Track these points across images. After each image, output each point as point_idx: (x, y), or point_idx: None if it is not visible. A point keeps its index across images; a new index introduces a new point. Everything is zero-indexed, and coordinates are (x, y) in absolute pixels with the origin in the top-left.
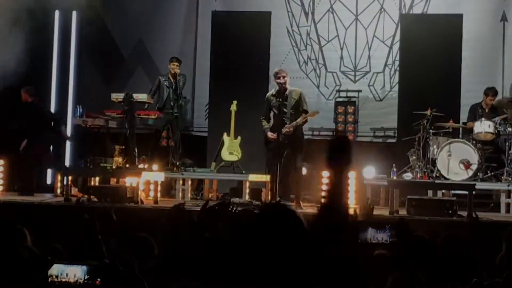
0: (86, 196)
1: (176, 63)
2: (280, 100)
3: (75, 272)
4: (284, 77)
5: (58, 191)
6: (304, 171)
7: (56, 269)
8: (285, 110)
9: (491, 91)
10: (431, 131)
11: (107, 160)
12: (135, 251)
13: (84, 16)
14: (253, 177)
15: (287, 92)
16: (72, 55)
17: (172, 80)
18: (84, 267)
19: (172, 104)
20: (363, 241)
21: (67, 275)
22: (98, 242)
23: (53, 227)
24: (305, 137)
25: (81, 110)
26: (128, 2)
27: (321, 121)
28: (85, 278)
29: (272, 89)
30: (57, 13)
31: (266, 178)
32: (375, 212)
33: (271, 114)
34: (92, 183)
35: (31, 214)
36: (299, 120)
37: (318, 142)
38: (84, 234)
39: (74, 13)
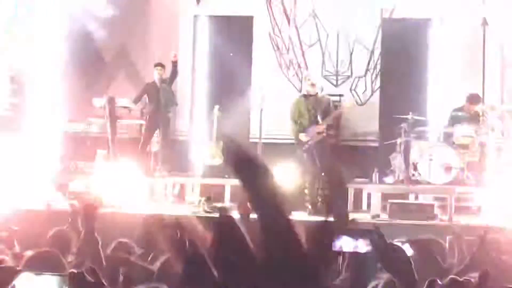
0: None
1: (160, 68)
2: (311, 104)
3: (43, 282)
4: (314, 84)
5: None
6: None
7: (24, 278)
8: (315, 114)
9: (474, 98)
10: (412, 135)
11: (89, 165)
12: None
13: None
14: (236, 182)
15: (317, 97)
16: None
17: (158, 85)
18: (53, 277)
19: (158, 109)
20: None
21: (34, 284)
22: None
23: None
24: (287, 142)
25: (63, 115)
26: (110, 7)
27: None
28: None
29: (301, 92)
30: None
31: None
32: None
33: (300, 116)
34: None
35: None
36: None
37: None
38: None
39: None
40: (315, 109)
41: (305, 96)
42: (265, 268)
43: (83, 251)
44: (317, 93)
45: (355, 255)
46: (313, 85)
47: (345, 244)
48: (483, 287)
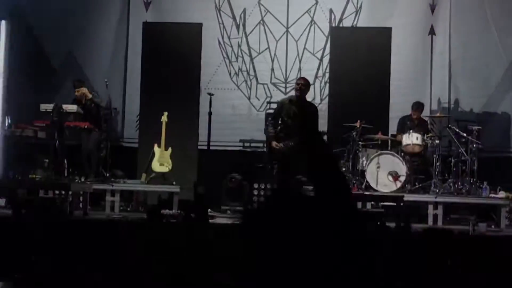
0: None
1: (77, 88)
2: (295, 108)
3: None
4: (303, 84)
5: None
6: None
7: None
8: (293, 120)
9: (416, 106)
10: (360, 143)
11: (36, 171)
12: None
13: (13, 26)
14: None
15: (303, 103)
16: (1, 65)
17: (83, 102)
18: None
19: (88, 117)
20: None
21: None
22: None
23: None
24: (236, 149)
25: (9, 120)
26: (59, 13)
27: (252, 133)
28: None
29: (287, 95)
30: None
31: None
32: None
33: (282, 119)
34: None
35: None
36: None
37: (249, 154)
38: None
39: (2, 23)
40: (299, 115)
41: (291, 100)
42: None
43: None
44: (304, 98)
45: None
46: (301, 89)
47: None
48: None
